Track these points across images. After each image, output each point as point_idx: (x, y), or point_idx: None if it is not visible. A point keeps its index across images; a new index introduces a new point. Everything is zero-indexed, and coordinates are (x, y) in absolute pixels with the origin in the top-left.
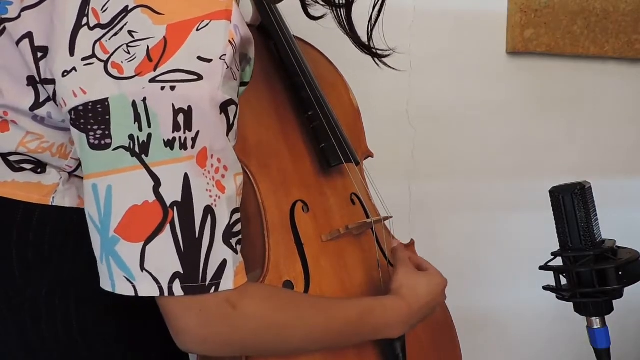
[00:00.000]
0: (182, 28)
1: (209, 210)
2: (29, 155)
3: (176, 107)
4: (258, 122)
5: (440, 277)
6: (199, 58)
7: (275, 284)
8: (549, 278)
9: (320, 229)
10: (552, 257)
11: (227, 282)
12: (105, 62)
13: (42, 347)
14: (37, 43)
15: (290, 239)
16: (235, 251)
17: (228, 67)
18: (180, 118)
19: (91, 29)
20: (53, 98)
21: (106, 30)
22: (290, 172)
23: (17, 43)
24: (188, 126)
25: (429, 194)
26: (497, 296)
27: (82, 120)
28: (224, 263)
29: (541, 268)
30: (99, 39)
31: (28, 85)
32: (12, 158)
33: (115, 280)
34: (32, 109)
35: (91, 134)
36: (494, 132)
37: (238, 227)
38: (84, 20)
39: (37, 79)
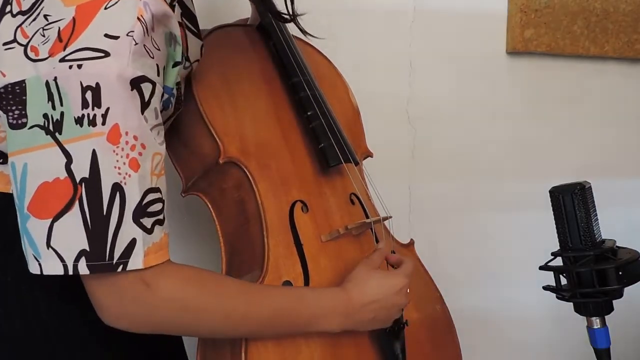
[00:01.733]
0: (90, 7)
1: (117, 188)
2: None
3: (84, 85)
4: (257, 122)
5: (398, 278)
6: (106, 35)
7: (275, 284)
8: (549, 278)
9: (319, 229)
10: (552, 257)
11: (136, 261)
12: (25, 46)
13: (14, 338)
14: None
15: (289, 239)
16: (149, 231)
17: (137, 43)
18: (89, 95)
19: (14, 15)
20: None
21: (26, 16)
22: (289, 172)
23: None
24: (97, 103)
25: (428, 194)
26: (496, 296)
27: (4, 102)
28: (133, 242)
29: (541, 268)
30: (20, 25)
31: None
32: None
33: (28, 257)
34: None
35: (10, 114)
36: (494, 132)
37: (156, 207)
38: (7, 8)
39: None
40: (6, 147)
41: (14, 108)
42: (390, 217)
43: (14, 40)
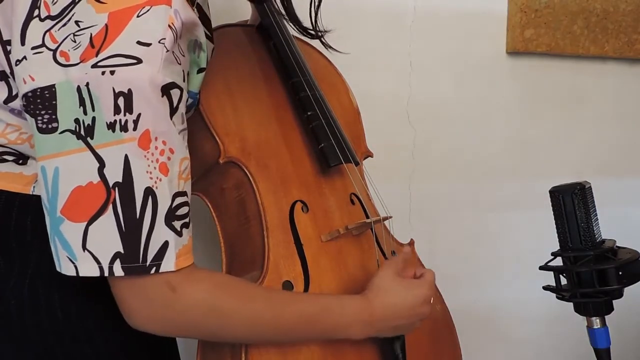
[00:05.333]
0: (123, 15)
1: (149, 192)
2: (9, 147)
3: (116, 91)
4: (257, 122)
5: (423, 288)
6: (139, 42)
7: (275, 284)
8: (549, 278)
9: (319, 229)
10: (552, 257)
11: (169, 264)
12: (54, 51)
13: (27, 338)
14: (4, 37)
15: (289, 239)
16: (179, 234)
17: (168, 50)
18: (121, 101)
19: (42, 20)
20: None
21: (56, 21)
22: (289, 173)
23: None
24: (129, 109)
25: (429, 194)
26: (497, 296)
27: (32, 106)
28: (165, 244)
29: (541, 268)
30: (49, 30)
31: (0, 80)
32: None
33: (60, 260)
34: (6, 102)
35: (39, 118)
36: (494, 132)
37: (183, 211)
38: (36, 12)
39: (8, 73)
40: (26, 150)
41: (43, 112)
42: (390, 217)
43: (43, 45)
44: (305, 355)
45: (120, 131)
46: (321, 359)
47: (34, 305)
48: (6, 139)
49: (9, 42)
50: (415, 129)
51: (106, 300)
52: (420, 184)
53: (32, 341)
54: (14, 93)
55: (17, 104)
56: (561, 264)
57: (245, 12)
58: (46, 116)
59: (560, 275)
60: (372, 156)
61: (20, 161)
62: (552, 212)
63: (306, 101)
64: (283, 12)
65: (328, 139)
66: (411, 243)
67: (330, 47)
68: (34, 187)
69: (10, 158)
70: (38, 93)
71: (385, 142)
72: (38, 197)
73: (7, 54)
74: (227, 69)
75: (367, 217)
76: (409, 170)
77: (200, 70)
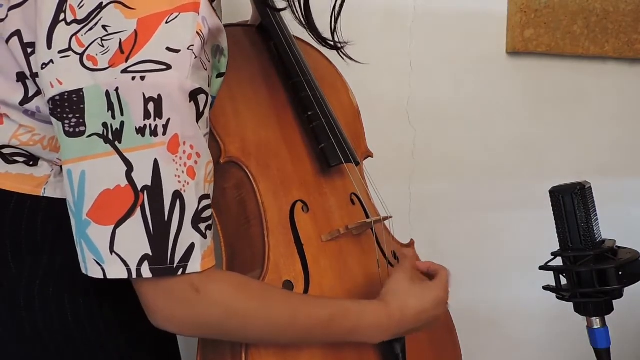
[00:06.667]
0: (152, 21)
1: (177, 195)
2: (21, 148)
3: (146, 96)
4: (258, 122)
5: (439, 290)
6: (168, 49)
7: (275, 283)
8: (549, 278)
9: (320, 229)
10: (552, 257)
11: (195, 265)
12: (81, 55)
13: (36, 339)
14: (26, 40)
15: (290, 239)
16: (204, 236)
17: (196, 57)
18: (151, 106)
19: (68, 24)
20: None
21: (82, 25)
22: (290, 172)
23: (7, 41)
24: (158, 114)
25: (429, 194)
26: (497, 296)
27: (59, 110)
28: (192, 246)
29: (541, 268)
30: (75, 33)
31: (17, 81)
32: (5, 151)
33: (87, 262)
34: (21, 103)
35: (66, 122)
36: (493, 132)
37: (207, 214)
38: (62, 16)
39: (28, 75)
40: (38, 151)
41: (70, 116)
42: (391, 217)
43: (69, 49)
44: (306, 355)
45: (150, 136)
46: (322, 357)
47: (44, 307)
48: (18, 140)
49: (30, 45)
50: (415, 129)
51: (114, 302)
52: (420, 184)
53: (42, 342)
54: (30, 95)
55: (32, 105)
56: (561, 264)
57: (245, 12)
58: (74, 120)
59: (560, 275)
60: (372, 156)
61: (31, 162)
62: (552, 212)
63: (307, 101)
64: (303, 22)
65: (328, 139)
66: (411, 243)
67: (350, 57)
68: (44, 188)
69: (21, 159)
70: (66, 97)
71: (385, 142)
72: (49, 199)
73: (27, 55)
74: (228, 69)
75: (368, 217)
76: (409, 170)
77: (219, 75)
